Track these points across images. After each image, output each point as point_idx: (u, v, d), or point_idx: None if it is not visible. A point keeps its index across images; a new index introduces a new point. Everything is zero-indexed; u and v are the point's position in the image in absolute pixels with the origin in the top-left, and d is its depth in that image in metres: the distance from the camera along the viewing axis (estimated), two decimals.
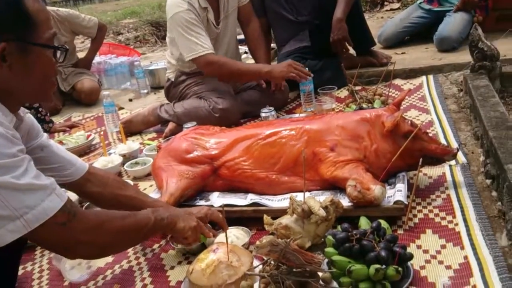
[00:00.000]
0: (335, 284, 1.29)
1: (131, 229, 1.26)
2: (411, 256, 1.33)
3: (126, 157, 2.47)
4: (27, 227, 1.02)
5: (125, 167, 2.36)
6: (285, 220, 1.53)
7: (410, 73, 3.09)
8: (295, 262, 1.22)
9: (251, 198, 1.78)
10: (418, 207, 1.68)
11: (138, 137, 2.91)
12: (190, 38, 2.57)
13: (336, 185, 1.72)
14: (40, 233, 1.05)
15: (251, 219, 1.73)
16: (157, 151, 2.10)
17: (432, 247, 1.46)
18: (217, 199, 1.82)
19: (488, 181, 1.78)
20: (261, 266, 1.33)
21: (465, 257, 1.38)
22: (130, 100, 3.89)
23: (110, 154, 2.50)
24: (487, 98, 2.21)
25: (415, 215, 1.63)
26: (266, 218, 1.59)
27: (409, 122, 1.75)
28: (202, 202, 1.83)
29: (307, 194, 1.57)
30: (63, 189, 1.17)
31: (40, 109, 3.17)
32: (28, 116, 1.38)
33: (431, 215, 1.63)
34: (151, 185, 2.21)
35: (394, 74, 2.76)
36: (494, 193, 1.70)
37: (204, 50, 2.58)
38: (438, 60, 3.16)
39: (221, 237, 1.58)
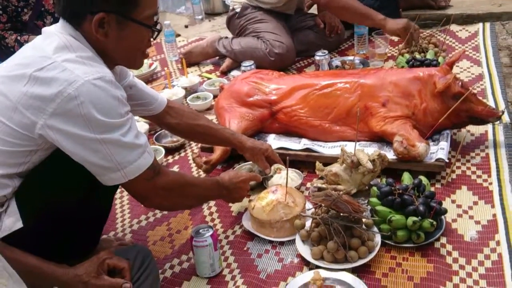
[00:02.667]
0: (375, 229, 1.50)
1: (198, 196, 1.49)
2: (445, 211, 1.52)
3: (188, 90, 2.68)
4: (125, 178, 1.24)
5: (188, 100, 2.57)
6: (335, 168, 1.73)
7: (467, 19, 3.08)
8: (344, 210, 1.44)
9: (304, 143, 1.98)
10: (458, 164, 1.83)
11: (196, 69, 3.09)
12: None
13: (383, 138, 1.89)
14: (130, 183, 1.26)
15: (303, 162, 1.93)
16: (220, 90, 2.29)
17: (465, 203, 1.64)
18: (273, 141, 2.02)
19: None
20: (313, 209, 1.55)
21: (494, 215, 1.56)
22: (186, 26, 4.02)
23: (173, 86, 2.70)
24: None
25: (453, 171, 1.79)
26: (318, 164, 1.79)
27: (460, 83, 1.85)
28: None
29: (357, 145, 1.74)
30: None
31: None
32: None
33: (468, 172, 1.79)
34: (211, 120, 2.42)
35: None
36: None
37: None
38: (498, 7, 3.12)
39: (277, 177, 1.81)
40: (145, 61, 3.11)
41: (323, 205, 1.50)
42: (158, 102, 1.68)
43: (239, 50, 2.85)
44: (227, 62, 2.94)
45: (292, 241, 1.55)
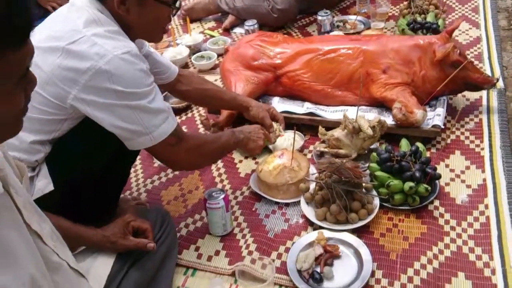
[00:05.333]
0: (374, 192, 1.63)
1: (218, 150, 1.59)
2: (439, 176, 1.64)
3: (192, 48, 2.72)
4: (153, 141, 1.33)
5: (192, 60, 2.62)
6: (337, 133, 1.83)
7: None
8: (346, 175, 1.55)
9: (307, 106, 2.07)
10: (453, 128, 1.94)
11: (199, 25, 3.11)
12: None
13: (383, 104, 1.98)
14: (157, 148, 1.36)
15: (306, 125, 2.03)
16: (225, 52, 2.34)
17: (458, 167, 1.76)
18: (277, 104, 2.11)
19: None
20: (317, 174, 1.66)
21: (484, 180, 1.69)
22: None
23: (177, 44, 2.73)
24: None
25: (448, 136, 1.90)
26: (321, 129, 1.88)
27: (458, 51, 1.92)
28: None
29: (358, 111, 1.83)
30: None
31: None
32: None
33: (462, 137, 1.90)
34: (215, 80, 2.49)
35: None
36: None
37: None
38: None
39: (280, 140, 1.92)
40: None
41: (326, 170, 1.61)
42: (171, 71, 1.75)
43: (241, 7, 2.87)
44: (229, 19, 2.96)
45: (297, 203, 1.68)
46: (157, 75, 1.71)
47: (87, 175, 1.39)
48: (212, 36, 2.91)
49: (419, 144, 1.72)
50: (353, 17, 2.82)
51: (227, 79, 2.18)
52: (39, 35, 1.34)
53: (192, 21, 3.10)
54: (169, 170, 1.94)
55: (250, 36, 2.32)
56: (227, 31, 2.97)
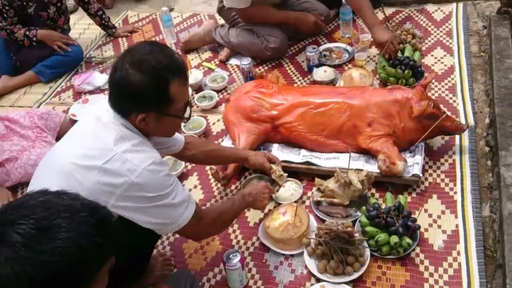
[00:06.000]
0: (366, 244, 1.93)
1: (232, 217, 1.91)
2: (419, 227, 1.94)
3: (193, 87, 2.95)
4: (178, 227, 1.63)
5: (195, 101, 2.86)
6: (331, 185, 2.12)
7: None
8: (342, 236, 1.86)
9: (303, 154, 2.34)
10: (430, 170, 2.24)
11: (196, 55, 3.33)
12: None
13: (369, 153, 2.26)
14: (183, 231, 1.66)
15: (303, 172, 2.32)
16: (226, 101, 2.60)
17: (435, 212, 2.06)
18: (277, 152, 2.39)
19: (487, 149, 2.29)
20: (316, 231, 1.97)
21: (456, 226, 1.99)
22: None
23: None
24: (504, 57, 2.57)
25: (426, 179, 2.20)
26: (317, 180, 2.18)
27: (432, 104, 2.19)
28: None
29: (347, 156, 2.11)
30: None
31: (103, 16, 3.56)
32: None
33: (438, 180, 2.19)
34: (218, 120, 2.75)
35: None
36: (489, 162, 2.24)
37: (240, 5, 2.91)
38: None
39: (282, 191, 2.21)
40: None
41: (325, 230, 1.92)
42: (179, 142, 2.03)
43: (236, 43, 3.09)
44: (225, 52, 3.18)
45: (301, 253, 1.98)
46: (169, 148, 1.99)
47: (124, 256, 1.67)
48: (210, 69, 3.14)
49: (401, 198, 2.03)
50: (338, 44, 3.07)
51: (231, 130, 2.44)
52: (74, 151, 1.59)
53: (189, 52, 3.32)
54: None
55: (248, 86, 2.57)
56: (223, 63, 3.19)
